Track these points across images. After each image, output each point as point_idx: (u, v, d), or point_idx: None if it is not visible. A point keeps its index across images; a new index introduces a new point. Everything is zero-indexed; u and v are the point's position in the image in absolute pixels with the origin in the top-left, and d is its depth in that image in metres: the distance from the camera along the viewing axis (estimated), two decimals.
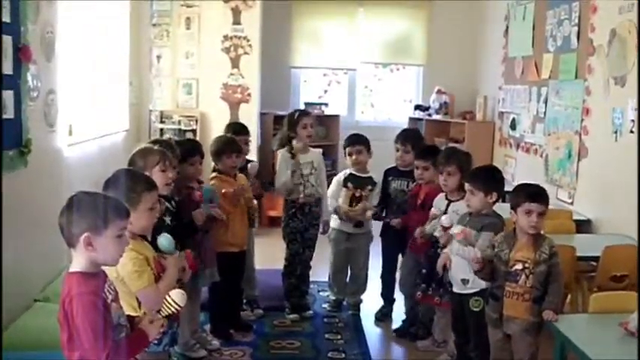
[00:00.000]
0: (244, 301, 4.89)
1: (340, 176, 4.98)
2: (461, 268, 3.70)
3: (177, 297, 2.41)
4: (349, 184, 4.84)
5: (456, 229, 3.56)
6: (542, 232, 3.41)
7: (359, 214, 4.81)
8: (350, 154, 4.91)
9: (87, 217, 2.13)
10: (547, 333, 3.28)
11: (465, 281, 3.72)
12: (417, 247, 4.43)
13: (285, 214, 4.88)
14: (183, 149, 3.96)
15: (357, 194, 4.83)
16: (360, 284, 5.12)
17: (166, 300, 2.41)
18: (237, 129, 4.90)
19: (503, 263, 3.37)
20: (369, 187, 4.83)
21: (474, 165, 4.22)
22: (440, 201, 4.21)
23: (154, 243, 2.93)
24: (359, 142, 4.93)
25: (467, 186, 3.71)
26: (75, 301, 2.09)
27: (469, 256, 3.52)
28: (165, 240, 2.89)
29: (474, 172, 3.90)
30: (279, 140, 4.99)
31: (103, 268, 2.28)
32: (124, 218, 2.23)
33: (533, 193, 3.45)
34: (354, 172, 4.91)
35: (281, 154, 4.86)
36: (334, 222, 4.99)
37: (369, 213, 4.80)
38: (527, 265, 3.31)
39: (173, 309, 2.40)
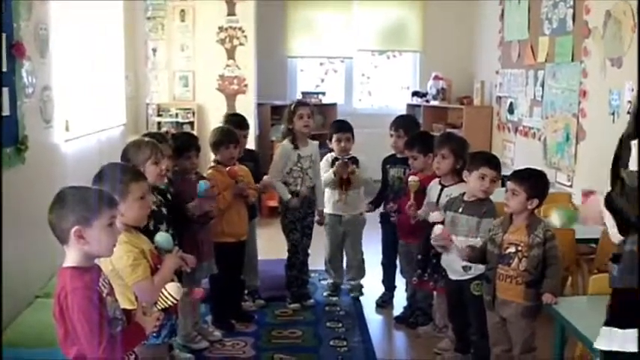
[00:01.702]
0: (246, 291, 4.91)
1: (328, 157, 5.07)
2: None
3: (172, 290, 2.41)
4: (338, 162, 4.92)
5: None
6: (536, 214, 3.42)
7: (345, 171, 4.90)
8: (339, 141, 4.96)
9: (74, 210, 2.13)
10: (546, 316, 3.29)
11: (466, 268, 3.71)
12: (405, 235, 4.47)
13: (283, 205, 4.89)
14: (179, 143, 3.97)
15: (345, 176, 4.92)
16: (358, 267, 5.18)
17: (162, 293, 2.41)
18: (237, 122, 4.84)
19: (496, 246, 3.38)
20: (354, 166, 4.92)
21: (469, 150, 4.22)
22: (433, 187, 4.22)
23: (150, 232, 2.94)
24: (347, 129, 5.02)
25: (494, 174, 3.69)
26: (70, 297, 2.09)
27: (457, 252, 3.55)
28: (162, 238, 2.88)
29: (494, 159, 3.89)
30: (281, 134, 5.00)
31: (97, 262, 2.29)
32: (112, 207, 2.22)
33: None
34: (338, 157, 4.99)
35: (282, 147, 4.87)
36: (327, 207, 5.05)
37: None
38: (520, 248, 3.32)
39: (169, 302, 2.40)
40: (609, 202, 2.20)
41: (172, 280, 2.78)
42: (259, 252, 5.07)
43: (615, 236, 2.28)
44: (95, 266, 2.26)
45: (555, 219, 2.37)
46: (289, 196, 4.77)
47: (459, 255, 3.51)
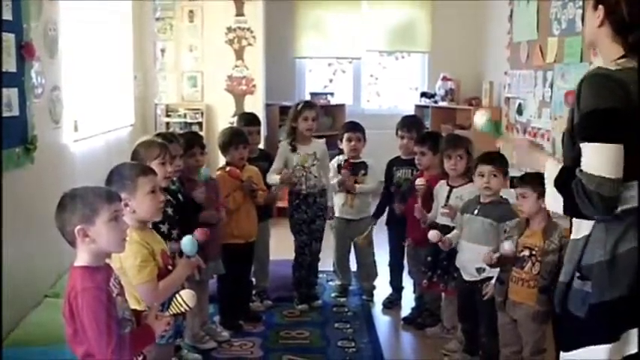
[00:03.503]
0: (254, 292, 4.91)
1: (334, 162, 5.05)
2: (475, 258, 3.68)
3: (187, 297, 2.40)
4: (344, 171, 4.91)
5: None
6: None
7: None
8: (349, 140, 4.95)
9: (76, 210, 2.15)
10: None
11: (480, 270, 3.70)
12: (416, 241, 4.47)
13: (290, 205, 4.90)
14: (183, 142, 4.00)
15: (349, 183, 4.90)
16: (370, 269, 5.16)
17: (176, 299, 2.41)
18: (248, 120, 4.92)
19: None
20: (363, 172, 4.93)
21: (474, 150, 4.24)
22: (441, 188, 4.22)
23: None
24: (359, 129, 5.00)
25: (489, 168, 3.71)
26: (80, 296, 2.10)
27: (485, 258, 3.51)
28: (188, 242, 2.87)
29: (492, 154, 3.88)
30: (285, 132, 5.01)
31: (109, 261, 2.30)
32: (113, 201, 2.23)
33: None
34: (347, 159, 4.98)
35: (281, 146, 4.88)
36: (336, 211, 5.03)
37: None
38: (534, 252, 3.30)
39: (182, 309, 2.40)
40: (562, 184, 2.15)
41: (183, 287, 2.79)
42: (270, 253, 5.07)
43: (551, 205, 2.26)
44: (106, 266, 2.27)
45: (479, 119, 2.34)
46: (277, 177, 4.69)
47: (483, 260, 3.48)
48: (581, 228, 2.22)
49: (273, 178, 4.72)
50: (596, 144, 2.04)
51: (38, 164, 3.98)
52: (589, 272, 2.15)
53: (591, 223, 2.17)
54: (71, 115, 4.71)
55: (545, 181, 2.22)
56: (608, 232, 2.13)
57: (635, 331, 2.10)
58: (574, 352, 2.22)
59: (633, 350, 2.11)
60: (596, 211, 2.06)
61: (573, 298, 2.20)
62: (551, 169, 2.19)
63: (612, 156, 2.03)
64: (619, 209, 2.09)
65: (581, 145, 2.09)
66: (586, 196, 2.03)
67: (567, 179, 2.12)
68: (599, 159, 2.03)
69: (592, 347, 2.15)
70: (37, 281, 4.00)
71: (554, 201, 2.19)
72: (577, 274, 2.19)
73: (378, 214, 5.03)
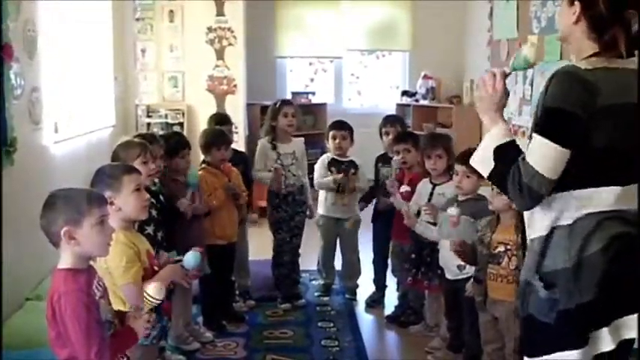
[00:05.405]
0: (237, 292, 4.90)
1: (324, 159, 5.04)
2: (455, 255, 3.69)
3: (152, 291, 2.41)
4: (333, 169, 4.93)
5: (453, 212, 3.52)
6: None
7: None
8: (334, 138, 4.97)
9: (63, 211, 2.13)
10: None
11: (461, 267, 3.72)
12: (399, 234, 4.49)
13: (270, 204, 4.91)
14: (172, 143, 4.00)
15: (348, 188, 4.91)
16: (354, 268, 5.17)
17: (144, 295, 2.41)
18: (219, 120, 5.00)
19: (485, 246, 3.39)
20: (352, 171, 4.93)
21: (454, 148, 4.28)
22: (424, 186, 4.24)
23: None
24: (345, 127, 5.02)
25: (463, 168, 3.72)
26: (63, 299, 2.08)
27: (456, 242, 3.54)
28: (192, 257, 2.86)
29: (469, 154, 3.88)
30: (264, 131, 5.02)
31: (92, 263, 2.29)
32: (101, 205, 2.22)
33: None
34: (335, 157, 4.99)
35: (260, 143, 4.90)
36: (322, 208, 5.05)
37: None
38: (509, 246, 3.32)
39: (153, 302, 2.41)
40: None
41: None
42: (250, 252, 5.07)
43: (476, 164, 2.31)
44: (90, 268, 2.25)
45: (526, 49, 2.38)
46: (268, 179, 4.77)
47: (451, 249, 3.51)
48: (534, 227, 2.21)
49: (262, 175, 4.79)
50: (544, 139, 2.05)
51: (18, 166, 3.95)
52: (554, 279, 2.12)
53: (544, 222, 2.15)
54: (51, 116, 4.67)
55: (484, 140, 2.23)
56: (572, 237, 2.10)
57: (601, 330, 2.09)
58: (543, 357, 2.16)
59: (602, 349, 2.10)
60: (521, 200, 2.09)
61: (539, 305, 2.16)
62: (497, 135, 2.21)
63: (554, 157, 2.04)
64: (584, 212, 2.09)
65: (533, 134, 2.11)
66: (518, 183, 2.06)
67: (510, 155, 2.13)
68: (541, 154, 2.05)
69: (561, 353, 2.11)
70: (19, 284, 3.97)
71: (482, 164, 2.23)
72: (541, 284, 2.14)
73: (366, 199, 5.03)
